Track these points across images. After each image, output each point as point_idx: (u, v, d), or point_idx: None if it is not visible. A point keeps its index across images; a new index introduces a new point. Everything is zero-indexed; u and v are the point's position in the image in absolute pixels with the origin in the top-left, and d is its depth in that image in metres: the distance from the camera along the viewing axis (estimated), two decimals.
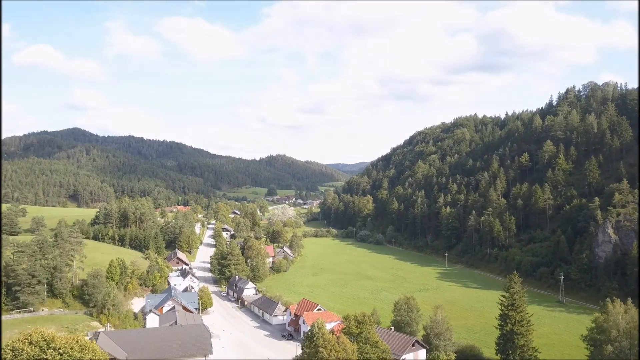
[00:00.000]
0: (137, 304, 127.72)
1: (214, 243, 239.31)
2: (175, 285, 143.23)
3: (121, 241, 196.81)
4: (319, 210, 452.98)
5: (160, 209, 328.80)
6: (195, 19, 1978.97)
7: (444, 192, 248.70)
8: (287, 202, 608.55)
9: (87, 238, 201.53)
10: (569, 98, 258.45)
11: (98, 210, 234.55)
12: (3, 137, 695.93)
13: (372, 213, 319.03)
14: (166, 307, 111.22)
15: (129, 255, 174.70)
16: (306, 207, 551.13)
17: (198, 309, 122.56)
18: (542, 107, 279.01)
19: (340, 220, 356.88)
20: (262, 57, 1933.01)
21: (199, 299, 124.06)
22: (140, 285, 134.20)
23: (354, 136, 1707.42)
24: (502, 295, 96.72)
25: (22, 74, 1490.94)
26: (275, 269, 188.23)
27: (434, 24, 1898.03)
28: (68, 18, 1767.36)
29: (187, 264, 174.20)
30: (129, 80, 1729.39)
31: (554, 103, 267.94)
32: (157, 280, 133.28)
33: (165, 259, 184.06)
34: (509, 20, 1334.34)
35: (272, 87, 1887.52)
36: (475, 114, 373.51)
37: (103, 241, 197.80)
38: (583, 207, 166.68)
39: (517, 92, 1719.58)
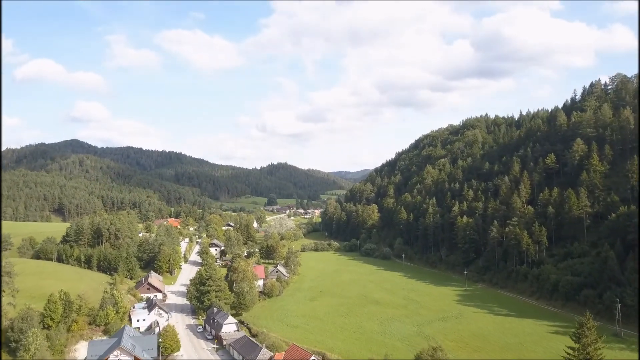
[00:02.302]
0: (84, 350, 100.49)
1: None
2: (138, 320, 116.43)
3: (88, 263, 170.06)
4: (320, 220, 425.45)
5: (145, 222, 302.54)
6: (194, 30, 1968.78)
7: (459, 200, 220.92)
8: (287, 211, 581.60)
9: (50, 259, 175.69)
10: (595, 92, 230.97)
11: (69, 226, 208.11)
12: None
13: (377, 224, 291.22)
14: (112, 358, 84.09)
15: (92, 281, 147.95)
16: (307, 216, 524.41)
17: (158, 356, 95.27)
18: (557, 107, 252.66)
19: (342, 231, 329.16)
20: (262, 66, 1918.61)
21: (160, 342, 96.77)
22: (90, 324, 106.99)
23: (356, 144, 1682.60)
24: (570, 347, 69.39)
25: (25, 88, 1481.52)
26: (267, 293, 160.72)
27: (431, 31, 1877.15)
28: (69, 32, 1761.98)
29: (160, 291, 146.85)
30: (130, 93, 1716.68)
31: (577, 98, 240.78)
32: (110, 318, 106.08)
33: (137, 283, 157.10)
34: (504, 26, 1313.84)
35: (272, 96, 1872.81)
36: (487, 114, 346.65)
37: (67, 263, 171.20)
38: (632, 215, 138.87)
39: (518, 96, 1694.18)
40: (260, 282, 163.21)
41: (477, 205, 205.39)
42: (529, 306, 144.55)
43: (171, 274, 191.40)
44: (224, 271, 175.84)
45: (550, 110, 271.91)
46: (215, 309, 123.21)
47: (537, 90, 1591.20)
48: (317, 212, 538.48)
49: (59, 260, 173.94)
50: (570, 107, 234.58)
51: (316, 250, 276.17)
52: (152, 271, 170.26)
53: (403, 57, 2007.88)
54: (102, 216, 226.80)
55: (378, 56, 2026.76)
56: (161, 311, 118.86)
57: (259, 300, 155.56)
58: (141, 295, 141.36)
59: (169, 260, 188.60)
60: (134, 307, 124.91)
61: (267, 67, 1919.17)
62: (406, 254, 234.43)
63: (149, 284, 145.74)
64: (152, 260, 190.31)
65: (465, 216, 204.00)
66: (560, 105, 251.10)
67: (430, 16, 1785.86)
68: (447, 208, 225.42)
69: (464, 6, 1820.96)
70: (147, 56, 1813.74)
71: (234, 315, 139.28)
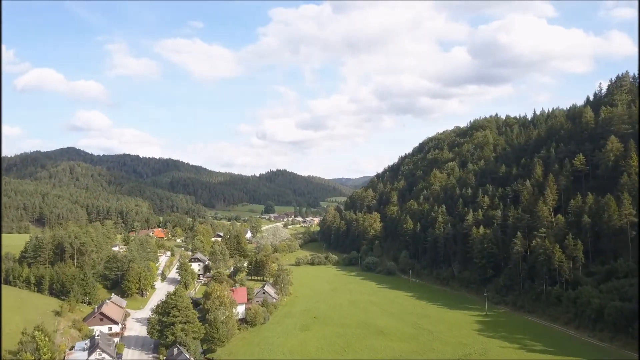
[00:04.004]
0: None
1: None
2: None
3: (38, 285, 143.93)
4: (318, 229, 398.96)
5: (123, 234, 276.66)
6: (193, 39, 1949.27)
7: (473, 207, 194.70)
8: (285, 219, 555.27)
9: None
10: (625, 85, 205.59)
11: (28, 240, 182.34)
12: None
13: (380, 234, 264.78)
14: None
15: (35, 310, 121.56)
16: (306, 224, 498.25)
17: None
18: (575, 104, 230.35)
19: (342, 242, 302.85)
20: (261, 75, 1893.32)
21: None
22: None
23: (357, 151, 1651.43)
24: None
25: (25, 98, 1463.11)
26: (249, 320, 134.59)
27: (428, 38, 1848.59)
28: (69, 42, 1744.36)
29: (115, 322, 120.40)
30: (131, 101, 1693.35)
31: (603, 93, 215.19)
32: None
33: (93, 310, 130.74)
34: (502, 33, 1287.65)
35: (271, 104, 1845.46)
36: (497, 114, 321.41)
37: (14, 285, 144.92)
38: None
39: (517, 102, 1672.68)
40: (242, 308, 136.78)
41: (494, 213, 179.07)
42: (568, 338, 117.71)
43: (142, 296, 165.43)
44: (218, 287, 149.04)
45: (567, 108, 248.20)
46: (175, 349, 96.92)
47: (536, 96, 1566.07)
48: (316, 220, 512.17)
49: (7, 281, 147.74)
50: (595, 102, 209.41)
51: (312, 263, 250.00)
52: (113, 295, 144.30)
53: (401, 64, 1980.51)
54: (67, 228, 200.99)
55: (376, 64, 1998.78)
56: (104, 354, 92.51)
57: (239, 330, 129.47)
58: (91, 328, 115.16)
59: (139, 279, 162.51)
60: (73, 348, 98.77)
61: (266, 76, 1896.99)
62: (413, 269, 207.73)
63: (101, 313, 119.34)
64: (121, 279, 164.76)
65: (481, 226, 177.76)
66: (576, 104, 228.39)
67: (427, 24, 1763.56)
68: (459, 217, 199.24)
69: (460, 14, 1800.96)
70: (147, 65, 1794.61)
71: (206, 352, 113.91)
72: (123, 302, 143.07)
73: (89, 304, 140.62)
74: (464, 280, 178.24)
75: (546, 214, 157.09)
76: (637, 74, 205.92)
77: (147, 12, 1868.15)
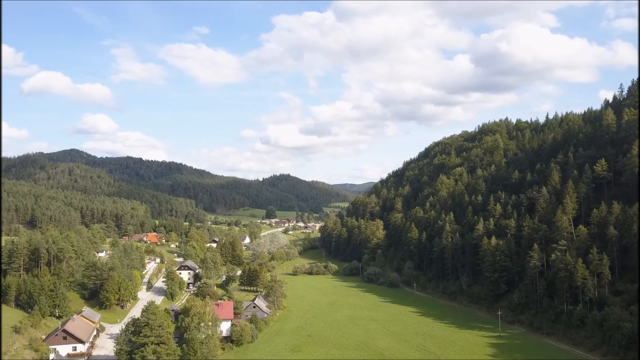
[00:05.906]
0: None
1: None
2: None
3: (4, 296, 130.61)
4: (319, 235, 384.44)
5: (114, 238, 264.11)
6: (198, 45, 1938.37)
7: (483, 216, 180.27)
8: (286, 225, 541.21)
9: None
10: None
11: (3, 245, 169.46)
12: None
13: (382, 242, 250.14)
14: None
15: None
16: (307, 230, 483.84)
17: None
18: (589, 107, 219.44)
19: (342, 250, 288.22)
20: (265, 81, 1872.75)
21: None
22: None
23: (360, 157, 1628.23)
24: None
25: (33, 100, 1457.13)
26: (235, 339, 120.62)
27: (430, 46, 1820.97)
28: (76, 46, 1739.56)
29: (81, 341, 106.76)
30: (136, 105, 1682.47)
31: (625, 93, 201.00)
32: None
33: (59, 326, 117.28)
34: (504, 42, 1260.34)
35: (275, 110, 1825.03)
36: (507, 118, 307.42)
37: None
38: None
39: (521, 110, 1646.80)
40: (227, 325, 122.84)
41: (507, 223, 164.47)
42: None
43: (122, 308, 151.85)
44: (198, 302, 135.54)
45: (583, 111, 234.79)
46: None
47: (540, 105, 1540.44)
48: (318, 226, 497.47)
49: None
50: (615, 104, 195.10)
51: (310, 273, 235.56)
52: (85, 308, 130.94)
53: (404, 71, 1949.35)
54: (46, 232, 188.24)
55: (379, 71, 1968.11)
56: None
57: (223, 350, 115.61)
58: (52, 347, 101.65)
59: (119, 289, 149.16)
60: None
61: (270, 82, 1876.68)
62: (418, 282, 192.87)
63: (64, 331, 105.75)
64: (100, 289, 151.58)
65: (493, 237, 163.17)
66: (592, 107, 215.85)
67: (429, 32, 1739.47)
68: (468, 226, 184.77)
69: (462, 22, 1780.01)
70: (153, 70, 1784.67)
71: None
72: (97, 316, 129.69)
73: (59, 317, 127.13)
74: (474, 295, 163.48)
75: (566, 225, 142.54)
76: None
77: (153, 18, 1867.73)
